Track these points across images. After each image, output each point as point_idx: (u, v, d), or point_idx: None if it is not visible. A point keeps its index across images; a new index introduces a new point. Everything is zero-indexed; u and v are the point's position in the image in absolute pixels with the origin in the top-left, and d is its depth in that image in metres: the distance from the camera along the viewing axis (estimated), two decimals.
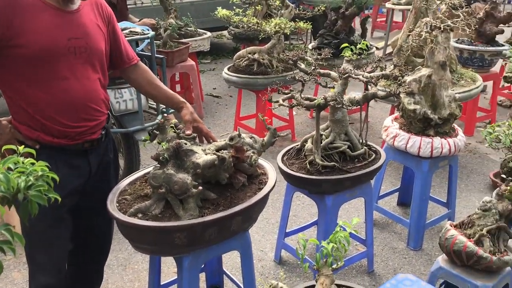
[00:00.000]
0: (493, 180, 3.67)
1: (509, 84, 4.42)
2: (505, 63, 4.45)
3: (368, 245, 2.71)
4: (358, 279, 2.73)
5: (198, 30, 5.40)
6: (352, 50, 2.41)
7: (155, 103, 3.39)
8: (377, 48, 7.45)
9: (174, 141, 1.94)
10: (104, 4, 2.02)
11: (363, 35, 4.76)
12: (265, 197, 2.04)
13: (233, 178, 2.07)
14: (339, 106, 2.24)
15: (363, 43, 2.41)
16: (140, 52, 3.36)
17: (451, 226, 2.31)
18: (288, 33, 4.01)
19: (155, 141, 2.01)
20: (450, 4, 5.15)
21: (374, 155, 2.55)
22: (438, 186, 3.72)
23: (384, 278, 2.73)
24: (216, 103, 5.61)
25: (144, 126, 3.16)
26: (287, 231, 2.86)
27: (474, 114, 4.66)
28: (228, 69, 4.33)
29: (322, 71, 2.49)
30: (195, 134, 2.09)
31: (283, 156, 2.60)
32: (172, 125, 2.05)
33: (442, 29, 2.70)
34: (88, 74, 1.91)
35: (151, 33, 3.21)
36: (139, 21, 4.83)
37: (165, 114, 2.89)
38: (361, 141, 2.61)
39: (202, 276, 2.53)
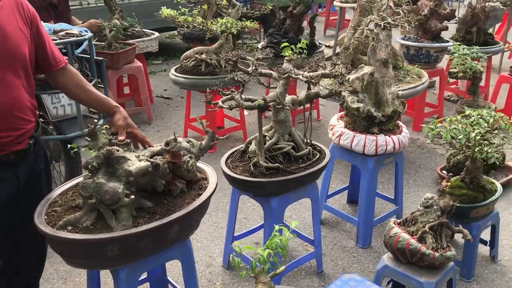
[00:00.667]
0: (440, 174, 3.73)
1: (455, 80, 4.51)
2: (451, 59, 4.54)
3: (316, 246, 2.69)
4: (307, 280, 2.70)
5: (146, 30, 5.27)
6: (292, 50, 2.37)
7: None
8: (328, 47, 7.51)
9: (105, 148, 1.84)
10: (26, 4, 1.90)
11: (312, 34, 4.75)
12: (205, 203, 1.97)
13: (170, 184, 1.99)
14: (279, 107, 2.19)
15: (303, 42, 2.37)
16: (79, 55, 3.22)
17: (395, 224, 2.31)
18: (235, 33, 3.95)
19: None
20: (394, 1, 5.22)
21: (318, 155, 2.53)
22: (387, 183, 3.75)
23: (333, 278, 2.71)
24: (167, 105, 5.49)
25: (84, 132, 3.02)
26: (235, 235, 2.80)
27: (422, 109, 4.74)
28: (176, 70, 4.23)
29: (264, 71, 2.44)
30: (128, 140, 2.00)
31: (227, 158, 2.53)
32: (103, 131, 1.96)
33: (382, 26, 2.70)
34: (10, 81, 1.79)
35: (89, 34, 3.08)
36: (83, 22, 4.66)
37: (108, 119, 2.79)
38: (305, 141, 2.58)
39: (147, 286, 2.43)
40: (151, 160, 1.84)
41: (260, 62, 2.36)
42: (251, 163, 2.40)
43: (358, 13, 3.67)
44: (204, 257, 2.90)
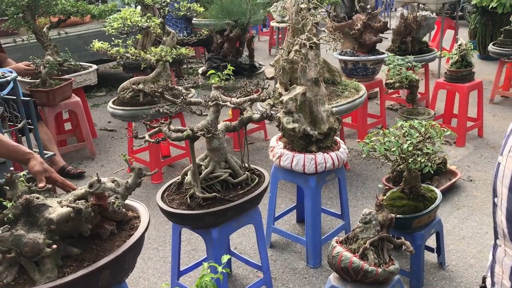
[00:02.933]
0: (385, 184, 3.76)
1: (393, 90, 4.61)
2: (388, 70, 4.65)
3: (264, 272, 2.63)
4: None
5: (83, 64, 5.15)
6: (219, 76, 2.34)
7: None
8: (272, 66, 7.57)
9: (23, 197, 1.74)
10: None
11: (251, 55, 4.76)
12: (137, 244, 1.88)
13: (99, 227, 1.91)
14: (208, 135, 2.15)
15: (229, 68, 2.35)
16: (5, 97, 3.09)
17: (337, 243, 2.29)
18: (170, 61, 3.90)
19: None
20: (330, 18, 5.32)
21: (257, 179, 2.49)
22: (335, 198, 3.75)
23: None
24: (111, 138, 5.36)
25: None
26: (182, 269, 2.71)
27: (365, 121, 4.80)
28: (113, 102, 4.14)
29: (193, 99, 2.39)
30: (49, 186, 1.90)
31: (163, 192, 2.46)
32: (22, 179, 1.86)
33: (308, 46, 2.72)
34: None
35: (13, 75, 2.97)
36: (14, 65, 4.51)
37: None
38: (243, 165, 2.54)
39: None
40: (73, 205, 1.75)
41: (199, 92, 2.31)
42: (187, 195, 2.33)
43: (291, 33, 3.70)
44: None
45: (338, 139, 3.02)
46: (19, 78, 4.61)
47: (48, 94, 4.35)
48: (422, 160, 2.43)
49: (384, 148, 2.52)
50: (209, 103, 2.22)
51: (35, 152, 3.13)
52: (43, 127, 4.37)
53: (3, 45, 4.87)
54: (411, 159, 2.46)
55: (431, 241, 2.90)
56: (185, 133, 2.13)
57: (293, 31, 3.69)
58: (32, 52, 5.01)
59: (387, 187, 2.53)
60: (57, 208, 1.78)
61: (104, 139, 5.31)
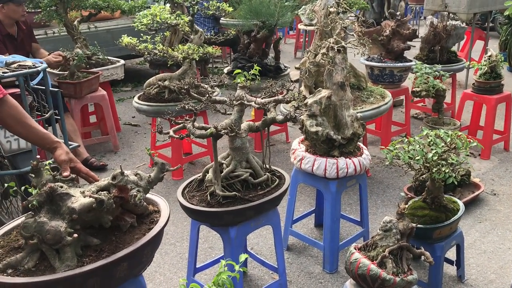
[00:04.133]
0: (406, 193, 3.71)
1: (419, 98, 4.56)
2: (415, 78, 4.60)
3: (280, 274, 2.62)
4: None
5: (111, 58, 5.22)
6: (245, 76, 2.34)
7: None
8: (298, 69, 7.56)
9: (47, 186, 1.77)
10: None
11: (276, 57, 4.76)
12: (156, 238, 1.90)
13: (119, 219, 1.93)
14: (232, 134, 2.15)
15: (256, 69, 2.35)
16: (35, 86, 3.15)
17: (355, 249, 2.27)
18: (197, 59, 3.93)
19: None
20: (358, 23, 5.29)
21: (277, 181, 2.49)
22: (355, 204, 3.72)
23: None
24: (135, 132, 5.42)
25: None
26: (198, 266, 2.72)
27: (389, 129, 4.75)
28: (139, 97, 4.18)
29: (218, 98, 2.40)
30: (73, 176, 1.93)
31: (184, 188, 2.47)
32: (47, 167, 1.89)
33: (336, 50, 2.70)
34: None
35: (43, 65, 3.02)
36: (49, 54, 4.60)
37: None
38: (264, 167, 2.54)
39: None
40: (95, 196, 1.77)
41: (223, 91, 2.32)
42: (207, 192, 2.34)
43: (318, 36, 3.68)
44: None
45: (361, 145, 3.00)
46: (48, 69, 4.70)
47: (75, 86, 4.42)
48: (447, 171, 2.40)
49: (408, 156, 2.49)
50: (234, 102, 2.23)
51: None
52: (69, 118, 4.44)
53: (36, 36, 4.96)
54: (435, 169, 2.42)
55: (451, 254, 2.85)
56: (209, 130, 2.14)
57: (321, 34, 3.68)
58: (62, 44, 5.10)
59: (408, 196, 2.50)
60: (79, 198, 1.81)
61: (128, 134, 5.37)
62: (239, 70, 2.35)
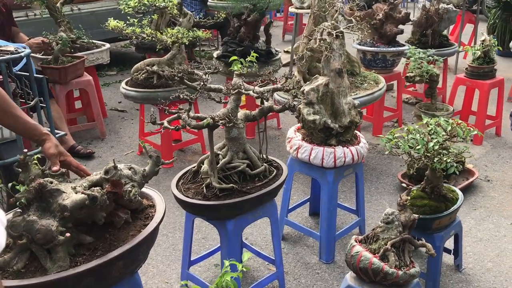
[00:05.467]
0: (401, 181, 3.68)
1: (412, 83, 4.49)
2: (407, 63, 4.53)
3: (277, 266, 2.57)
4: None
5: (96, 42, 5.05)
6: (241, 63, 2.24)
7: None
8: (286, 52, 7.44)
9: (36, 181, 1.67)
10: None
11: (267, 41, 4.64)
12: (151, 235, 1.82)
13: (113, 215, 1.84)
14: (229, 125, 2.06)
15: (253, 55, 2.25)
16: (18, 73, 3.01)
17: (356, 242, 2.21)
18: (186, 43, 3.80)
19: None
20: (349, 7, 5.18)
21: (275, 172, 2.41)
22: (349, 191, 3.67)
23: None
24: (122, 118, 5.28)
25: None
26: (193, 258, 2.65)
27: (381, 114, 4.70)
28: (126, 83, 4.05)
29: (213, 86, 2.30)
30: (63, 170, 1.83)
31: (178, 180, 2.38)
32: (35, 161, 1.78)
33: (335, 35, 2.61)
34: None
35: (26, 51, 2.87)
36: (29, 39, 4.42)
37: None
38: (261, 157, 2.46)
39: None
40: (88, 192, 1.68)
41: (211, 75, 2.22)
42: (203, 185, 2.26)
43: (312, 21, 3.58)
44: (160, 284, 2.73)
45: (358, 133, 2.93)
46: (32, 54, 4.53)
47: (60, 71, 4.26)
48: (448, 160, 2.34)
49: (408, 145, 2.43)
50: (231, 91, 2.13)
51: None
52: (53, 105, 4.28)
53: (15, 19, 4.76)
54: (436, 159, 2.37)
55: (448, 243, 2.82)
56: (205, 121, 2.04)
57: (315, 18, 3.58)
58: (45, 27, 4.90)
59: (410, 187, 2.44)
60: (71, 194, 1.71)
61: (114, 120, 5.23)
62: (235, 57, 2.25)
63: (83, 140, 4.67)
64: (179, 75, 2.20)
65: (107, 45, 5.02)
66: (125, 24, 3.72)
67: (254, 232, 3.19)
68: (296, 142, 2.79)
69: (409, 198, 2.21)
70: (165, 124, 2.04)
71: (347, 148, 2.72)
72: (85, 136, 4.78)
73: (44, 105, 3.01)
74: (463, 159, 3.75)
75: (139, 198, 1.83)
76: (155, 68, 3.93)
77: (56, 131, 3.16)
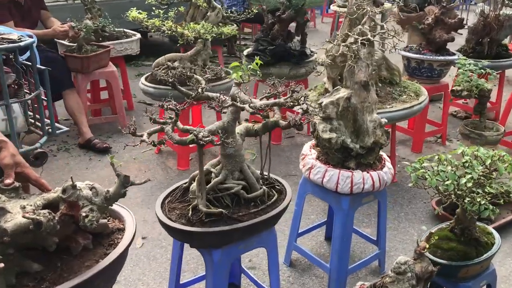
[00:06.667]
0: (434, 208, 3.26)
1: (458, 97, 4.03)
2: (456, 75, 4.07)
3: None
4: None
5: (126, 31, 4.87)
6: (243, 70, 1.93)
7: (39, 121, 2.85)
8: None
9: None
10: None
11: (302, 41, 4.30)
12: (110, 267, 1.56)
13: (70, 240, 1.59)
14: (218, 144, 1.76)
15: (256, 62, 1.93)
16: (24, 62, 2.83)
17: None
18: (210, 39, 3.53)
19: None
20: (399, 7, 4.74)
21: (275, 196, 2.10)
22: (374, 215, 3.29)
23: None
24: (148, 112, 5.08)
25: (19, 151, 2.63)
26: (181, 282, 2.39)
27: (423, 128, 4.26)
28: (146, 78, 3.83)
29: (211, 94, 2.01)
30: (17, 184, 1.60)
31: (166, 197, 2.12)
32: None
33: (360, 43, 2.25)
34: None
35: (29, 40, 2.68)
36: (63, 23, 4.30)
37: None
38: (262, 176, 2.15)
39: None
40: (31, 216, 1.43)
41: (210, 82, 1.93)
42: (189, 207, 1.98)
43: (348, 22, 3.21)
44: None
45: (384, 155, 2.56)
46: (58, 40, 4.41)
47: (82, 60, 4.10)
48: (482, 202, 1.95)
49: (437, 179, 2.05)
50: (223, 104, 1.83)
51: (47, 125, 2.89)
52: (74, 95, 4.15)
53: (47, 4, 4.66)
54: (468, 199, 1.98)
55: None
56: (188, 137, 1.76)
57: (351, 21, 3.21)
58: (72, 14, 4.73)
59: (431, 232, 2.05)
60: (16, 215, 1.47)
61: (140, 113, 5.04)
62: (237, 63, 1.94)
63: (103, 133, 4.51)
64: (170, 80, 1.92)
65: (138, 35, 4.83)
66: (146, 16, 3.48)
67: (260, 254, 2.89)
68: (309, 161, 2.46)
69: (427, 246, 1.84)
70: (144, 137, 1.77)
71: (368, 172, 2.36)
72: (107, 129, 4.63)
73: (45, 99, 2.83)
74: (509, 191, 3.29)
75: (103, 221, 1.57)
76: (176, 64, 3.69)
77: (58, 125, 2.98)
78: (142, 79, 3.81)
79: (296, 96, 1.89)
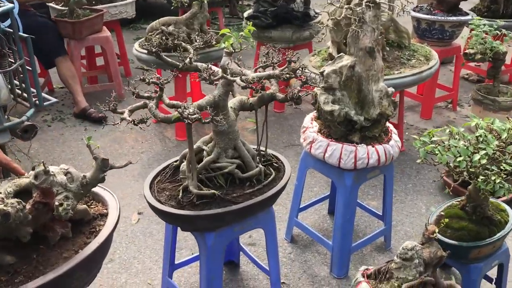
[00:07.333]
0: (445, 180, 3.11)
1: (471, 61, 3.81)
2: (469, 37, 3.83)
3: (272, 284, 2.15)
4: None
5: None
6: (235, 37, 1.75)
7: (25, 92, 2.69)
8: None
9: None
10: None
11: (306, 2, 4.05)
12: (91, 258, 1.44)
13: (47, 229, 1.46)
14: (206, 121, 1.60)
15: (249, 29, 1.74)
16: (6, 29, 2.65)
17: (364, 277, 1.74)
18: (205, 1, 3.31)
19: None
20: None
21: (273, 174, 1.95)
22: (380, 186, 3.15)
23: None
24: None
25: (3, 126, 2.50)
26: (176, 262, 2.28)
27: (433, 93, 4.06)
28: (140, 44, 3.63)
29: (199, 64, 1.84)
30: None
31: (156, 176, 1.98)
32: None
33: (364, 5, 2.04)
34: None
35: (9, 5, 2.50)
36: None
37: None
38: (259, 153, 2.00)
39: None
40: None
41: (200, 51, 1.76)
42: (180, 188, 1.84)
43: None
44: (142, 285, 2.39)
45: (390, 127, 2.39)
46: (49, 4, 4.20)
47: (74, 25, 3.90)
48: (497, 181, 1.79)
49: (448, 155, 1.88)
50: (212, 77, 1.65)
51: (32, 95, 2.72)
52: (67, 62, 3.98)
53: None
54: (481, 177, 1.82)
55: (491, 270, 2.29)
56: (173, 115, 1.59)
57: None
58: None
59: (441, 214, 1.89)
60: None
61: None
62: (227, 30, 1.76)
63: (100, 102, 4.34)
64: (153, 50, 1.75)
65: None
66: None
67: (261, 229, 2.77)
68: (310, 134, 2.29)
69: (436, 230, 1.69)
70: (125, 115, 1.62)
71: (373, 146, 2.20)
72: (103, 97, 4.40)
73: (30, 69, 2.66)
74: None
75: (71, 213, 1.43)
76: (171, 28, 3.48)
77: (46, 96, 2.82)
78: (136, 45, 3.61)
79: (294, 66, 1.71)
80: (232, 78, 1.65)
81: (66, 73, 3.94)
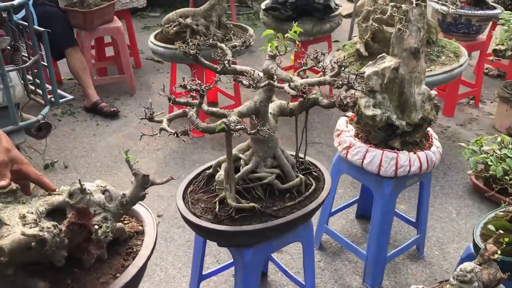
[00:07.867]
0: (474, 183, 2.99)
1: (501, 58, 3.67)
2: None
3: None
4: None
5: None
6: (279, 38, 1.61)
7: (40, 88, 2.55)
8: (349, 1, 6.57)
9: None
10: None
11: None
12: (132, 283, 1.31)
13: (81, 251, 1.34)
14: (251, 133, 1.46)
15: (295, 30, 1.60)
16: (20, 22, 2.50)
17: None
18: None
19: None
20: None
21: (314, 185, 1.82)
22: (408, 190, 3.02)
23: None
24: (157, 70, 4.75)
25: (19, 125, 2.36)
26: (204, 273, 2.16)
27: (456, 90, 3.93)
28: (155, 36, 3.48)
29: (240, 68, 1.69)
30: (14, 186, 1.32)
31: (189, 183, 1.85)
32: None
33: (414, 3, 1.90)
34: None
35: None
36: None
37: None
38: (298, 162, 1.87)
39: None
40: (33, 232, 1.17)
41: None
42: (217, 199, 1.71)
43: None
44: None
45: (430, 131, 2.26)
46: None
47: (85, 15, 3.74)
48: None
49: (503, 167, 1.76)
50: (258, 83, 1.51)
51: (48, 93, 2.58)
52: (77, 53, 3.82)
53: None
54: None
55: None
56: (217, 124, 1.46)
57: None
58: None
59: (500, 232, 1.77)
60: (14, 228, 1.21)
61: (149, 71, 4.71)
62: (271, 31, 1.62)
63: (110, 95, 4.20)
64: (192, 52, 1.60)
65: None
66: None
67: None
68: (346, 138, 2.16)
69: (499, 252, 1.58)
70: (164, 125, 1.48)
71: (415, 153, 2.07)
72: (114, 90, 4.31)
73: (45, 64, 2.51)
74: None
75: (111, 236, 1.30)
76: (188, 20, 3.32)
77: (61, 93, 2.68)
78: (151, 37, 3.45)
79: (346, 74, 1.57)
80: (279, 85, 1.51)
81: (76, 64, 3.79)
